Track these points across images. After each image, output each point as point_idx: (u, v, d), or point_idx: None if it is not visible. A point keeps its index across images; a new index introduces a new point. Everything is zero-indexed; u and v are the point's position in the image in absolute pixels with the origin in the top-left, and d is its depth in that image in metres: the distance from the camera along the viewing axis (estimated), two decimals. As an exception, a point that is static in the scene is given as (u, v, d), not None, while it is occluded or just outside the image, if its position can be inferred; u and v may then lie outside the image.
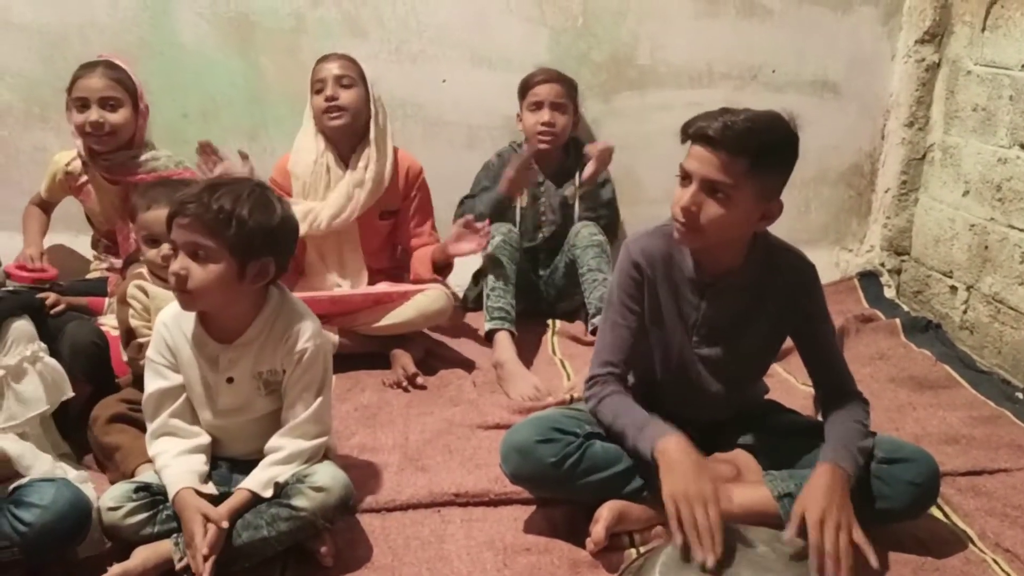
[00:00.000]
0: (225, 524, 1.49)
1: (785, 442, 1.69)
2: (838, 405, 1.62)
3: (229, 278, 1.51)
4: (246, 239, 1.50)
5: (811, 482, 1.47)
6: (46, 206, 2.63)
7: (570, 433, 1.60)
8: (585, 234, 2.59)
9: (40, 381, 1.53)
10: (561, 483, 1.61)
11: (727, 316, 1.65)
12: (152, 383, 1.63)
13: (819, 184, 3.13)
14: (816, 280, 1.67)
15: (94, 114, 2.32)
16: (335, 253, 2.55)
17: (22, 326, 1.54)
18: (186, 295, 1.53)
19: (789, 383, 2.32)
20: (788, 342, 1.73)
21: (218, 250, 1.49)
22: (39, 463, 1.47)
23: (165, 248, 1.90)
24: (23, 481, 1.44)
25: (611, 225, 2.84)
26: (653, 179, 3.06)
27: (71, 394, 1.61)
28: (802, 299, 1.65)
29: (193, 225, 1.49)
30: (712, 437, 1.72)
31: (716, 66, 3.01)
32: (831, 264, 3.19)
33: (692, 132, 1.51)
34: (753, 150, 1.46)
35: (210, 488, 1.56)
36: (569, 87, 2.79)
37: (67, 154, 2.50)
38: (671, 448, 1.49)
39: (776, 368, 2.37)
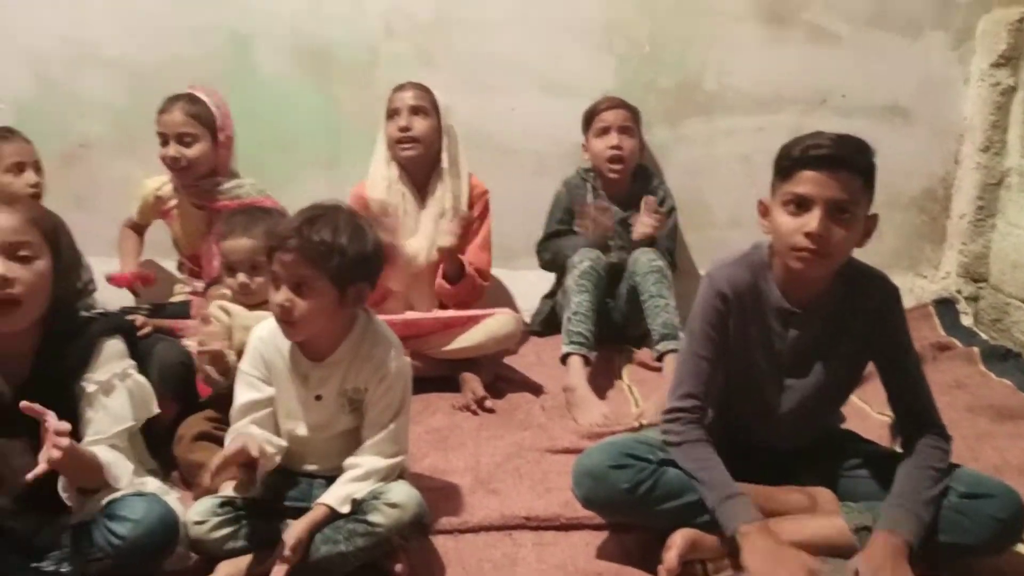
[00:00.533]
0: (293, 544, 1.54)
1: (863, 473, 1.66)
2: (915, 442, 1.60)
3: (331, 306, 1.58)
4: (346, 268, 1.55)
5: (869, 549, 1.47)
6: (139, 229, 2.75)
7: (643, 459, 1.60)
8: (644, 260, 2.59)
9: (128, 398, 1.58)
10: (634, 509, 1.61)
11: (813, 344, 1.64)
12: (243, 394, 1.69)
13: (891, 209, 3.08)
14: (900, 304, 1.66)
15: (171, 150, 2.43)
16: (416, 282, 2.61)
17: (114, 344, 1.60)
18: (291, 326, 1.59)
19: (864, 411, 2.28)
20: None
21: (321, 280, 1.55)
22: (126, 474, 1.52)
23: (241, 277, 1.99)
24: (117, 495, 1.49)
25: (670, 252, 2.83)
26: (720, 204, 3.07)
27: (157, 411, 1.67)
28: (887, 324, 1.63)
29: (296, 259, 1.55)
30: (787, 465, 1.70)
31: (784, 91, 3.01)
32: (905, 290, 3.06)
33: (802, 157, 1.49)
34: (864, 166, 1.49)
35: (279, 441, 1.63)
36: (634, 113, 2.83)
37: (158, 179, 2.62)
38: (754, 534, 1.50)
39: (851, 396, 2.33)
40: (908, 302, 3.03)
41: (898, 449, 1.65)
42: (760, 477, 1.65)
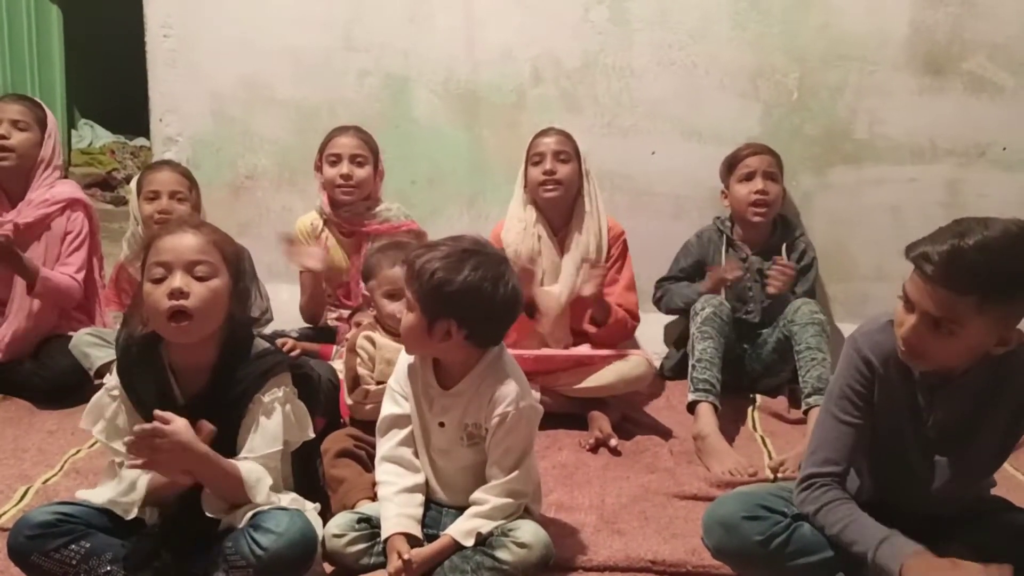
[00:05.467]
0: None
1: (1014, 544, 1.56)
2: None
3: (420, 333, 1.65)
4: (428, 299, 1.61)
5: None
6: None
7: (778, 512, 1.57)
8: (805, 311, 2.53)
9: (285, 421, 1.67)
10: (766, 563, 1.57)
11: (959, 419, 1.56)
12: (387, 408, 1.77)
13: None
14: None
15: (345, 167, 2.63)
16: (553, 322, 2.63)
17: (283, 375, 1.71)
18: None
19: (1016, 479, 2.15)
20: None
21: (415, 305, 1.63)
22: (264, 490, 1.60)
23: (402, 304, 2.08)
24: (263, 508, 1.58)
25: None
26: (865, 256, 2.98)
27: (312, 436, 1.75)
28: None
29: (404, 278, 1.67)
30: (934, 530, 1.62)
31: (940, 142, 2.90)
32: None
33: (913, 258, 1.42)
34: (982, 286, 1.35)
35: (419, 532, 1.67)
36: (778, 159, 2.80)
37: (306, 217, 2.79)
38: (918, 561, 1.44)
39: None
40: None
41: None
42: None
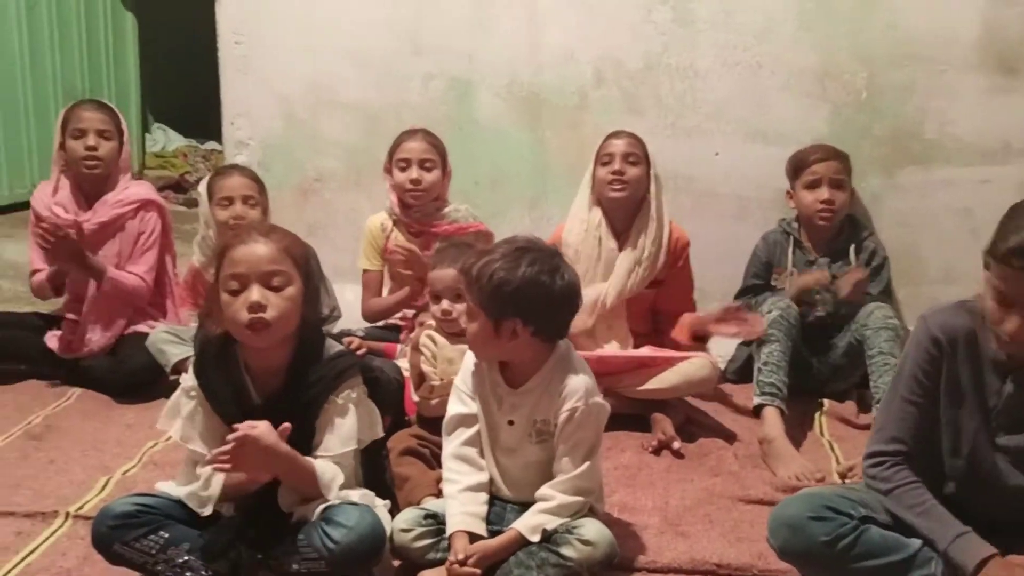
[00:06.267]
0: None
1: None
2: None
3: (487, 334, 1.68)
4: (488, 299, 1.65)
5: None
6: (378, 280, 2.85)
7: (845, 514, 1.55)
8: (879, 316, 2.49)
9: (358, 421, 1.71)
10: (832, 564, 1.55)
11: None
12: (454, 407, 1.81)
13: None
14: None
15: (414, 172, 2.66)
16: (605, 322, 2.65)
17: (355, 376, 1.75)
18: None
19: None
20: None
21: (476, 308, 1.67)
22: (334, 485, 1.64)
23: (444, 304, 2.12)
24: (335, 502, 1.62)
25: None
26: (935, 258, 2.92)
27: (382, 435, 1.80)
28: None
29: (464, 284, 1.71)
30: (1008, 540, 1.59)
31: (1013, 142, 2.83)
32: None
33: (1003, 256, 1.40)
34: None
35: (482, 530, 1.70)
36: (845, 163, 2.76)
37: (376, 217, 2.83)
38: (998, 566, 1.43)
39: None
40: None
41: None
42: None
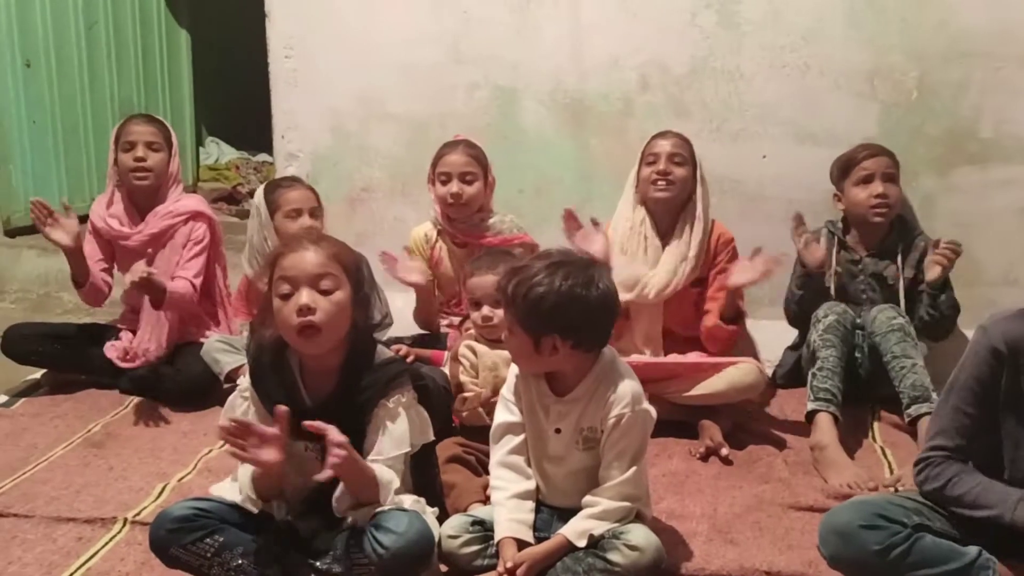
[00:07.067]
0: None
1: None
2: None
3: (527, 350, 1.69)
4: (527, 317, 1.66)
5: None
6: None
7: (897, 522, 1.53)
8: (883, 319, 2.45)
9: (410, 425, 1.73)
10: (884, 573, 1.53)
11: None
12: (500, 415, 1.82)
13: None
14: None
15: (455, 187, 2.67)
16: (642, 321, 2.64)
17: (405, 381, 1.78)
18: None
19: None
20: None
21: (515, 325, 1.68)
22: (390, 489, 1.67)
23: (485, 311, 2.14)
24: (384, 508, 1.65)
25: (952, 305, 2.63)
26: (993, 260, 2.86)
27: (432, 438, 1.82)
28: None
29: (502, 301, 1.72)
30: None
31: (1073, 139, 2.75)
32: None
33: None
34: None
35: (530, 537, 1.71)
36: (894, 160, 2.70)
37: (420, 228, 2.86)
38: None
39: None
40: None
41: None
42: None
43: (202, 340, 2.75)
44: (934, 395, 2.28)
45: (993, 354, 1.54)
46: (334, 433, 1.56)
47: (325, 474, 1.56)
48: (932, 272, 2.54)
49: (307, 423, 1.58)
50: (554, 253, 1.71)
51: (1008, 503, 1.47)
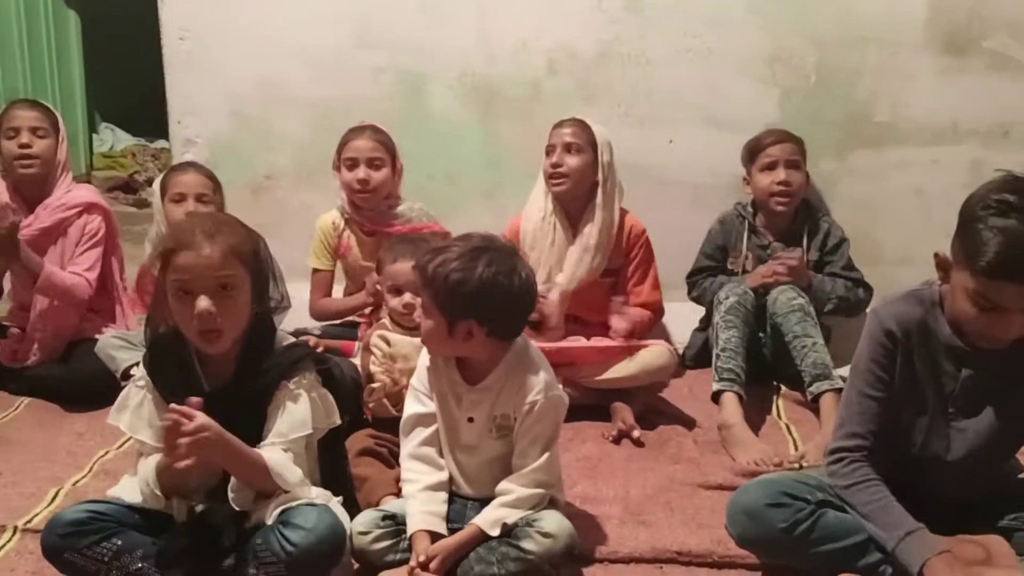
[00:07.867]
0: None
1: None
2: None
3: (441, 333, 1.66)
4: (445, 300, 1.62)
5: None
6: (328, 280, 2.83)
7: (802, 499, 1.57)
8: (783, 300, 2.51)
9: (312, 407, 1.68)
10: (791, 550, 1.57)
11: (988, 384, 1.57)
12: (411, 407, 1.79)
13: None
14: None
15: (361, 172, 2.61)
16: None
17: (306, 364, 1.72)
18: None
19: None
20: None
21: (432, 306, 1.65)
22: (290, 475, 1.60)
23: (407, 297, 2.10)
24: (291, 504, 1.59)
25: (857, 281, 2.74)
26: (891, 240, 2.96)
27: (339, 422, 1.76)
28: None
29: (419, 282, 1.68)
30: (961, 517, 1.61)
31: (962, 123, 2.87)
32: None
33: (1000, 267, 1.39)
34: None
35: (443, 529, 1.68)
36: (800, 146, 2.78)
37: (328, 216, 2.79)
38: (943, 568, 1.44)
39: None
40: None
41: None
42: (930, 527, 1.57)
43: (97, 337, 2.62)
44: (835, 372, 2.35)
45: (887, 336, 1.59)
46: (202, 418, 1.50)
47: (184, 462, 1.49)
48: (769, 280, 2.60)
49: (172, 406, 1.51)
50: (475, 237, 1.68)
51: (897, 533, 1.51)
